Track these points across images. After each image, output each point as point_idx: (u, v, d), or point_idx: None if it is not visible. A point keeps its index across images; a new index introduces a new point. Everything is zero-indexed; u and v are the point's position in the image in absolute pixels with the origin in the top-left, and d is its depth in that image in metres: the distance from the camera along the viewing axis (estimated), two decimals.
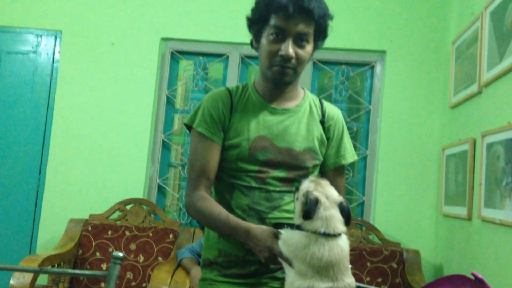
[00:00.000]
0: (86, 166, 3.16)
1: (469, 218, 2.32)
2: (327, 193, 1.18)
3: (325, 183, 1.22)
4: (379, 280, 2.81)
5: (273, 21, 1.35)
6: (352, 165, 3.13)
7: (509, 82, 2.01)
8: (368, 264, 2.84)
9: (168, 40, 3.28)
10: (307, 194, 1.16)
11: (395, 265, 2.84)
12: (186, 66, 3.35)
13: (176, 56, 3.31)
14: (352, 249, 3.02)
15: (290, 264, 1.15)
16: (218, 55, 3.28)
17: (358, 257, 2.84)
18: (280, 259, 1.19)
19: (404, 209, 3.01)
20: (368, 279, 2.81)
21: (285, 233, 1.19)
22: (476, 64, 2.36)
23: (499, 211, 1.97)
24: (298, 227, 1.16)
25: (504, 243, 1.93)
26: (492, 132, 2.10)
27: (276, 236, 1.20)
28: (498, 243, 2.00)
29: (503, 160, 1.98)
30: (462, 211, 2.41)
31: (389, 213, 3.03)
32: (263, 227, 1.26)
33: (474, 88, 2.38)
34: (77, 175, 3.16)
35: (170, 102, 3.31)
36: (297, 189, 1.22)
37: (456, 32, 2.79)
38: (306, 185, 1.20)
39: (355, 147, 3.10)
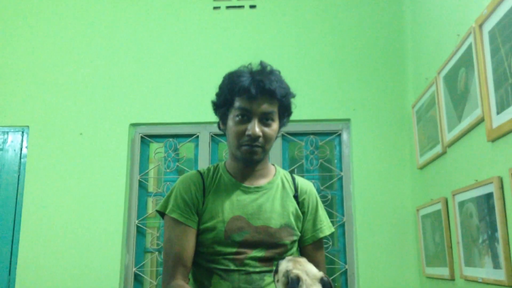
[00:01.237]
0: (58, 261, 3.05)
1: (452, 278, 2.31)
2: (307, 270, 1.17)
3: (303, 260, 1.21)
4: None
5: (237, 103, 1.39)
6: (331, 233, 3.10)
7: (471, 141, 2.09)
8: None
9: (137, 126, 3.31)
10: (287, 274, 1.15)
11: None
12: (156, 149, 3.37)
13: (146, 140, 3.33)
14: None
15: None
16: (188, 136, 3.32)
17: None
18: None
19: (387, 273, 2.97)
20: None
21: None
22: (437, 126, 2.46)
23: (480, 269, 1.97)
24: None
25: None
26: (462, 191, 2.14)
27: None
28: None
29: (476, 218, 2.00)
30: (444, 271, 2.40)
31: (373, 279, 2.98)
32: None
33: (438, 149, 2.45)
34: (50, 271, 3.03)
35: (142, 186, 3.28)
36: (276, 271, 1.21)
37: (414, 97, 2.92)
38: (285, 264, 1.19)
39: (331, 214, 3.11)
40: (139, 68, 3.36)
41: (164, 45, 3.39)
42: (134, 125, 3.31)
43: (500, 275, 1.78)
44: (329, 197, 3.18)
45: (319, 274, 1.18)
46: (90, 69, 3.37)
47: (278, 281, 1.18)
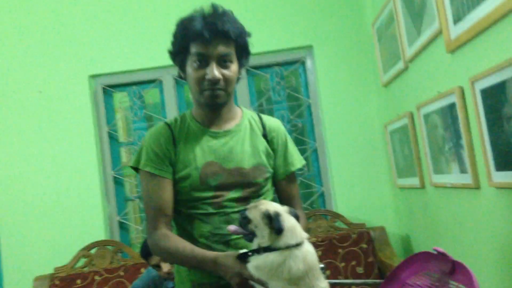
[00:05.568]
0: (40, 220, 3.07)
1: (423, 186, 2.43)
2: (276, 207, 1.23)
3: (265, 201, 1.26)
4: (353, 263, 2.88)
5: (193, 49, 1.37)
6: (305, 159, 3.19)
7: (431, 54, 2.11)
8: (340, 250, 2.91)
9: (97, 77, 3.22)
10: (265, 214, 1.18)
11: (365, 246, 2.92)
12: (121, 98, 3.30)
13: (108, 90, 3.26)
14: (322, 240, 3.04)
15: (263, 285, 1.17)
16: (151, 81, 3.25)
17: (328, 246, 2.90)
18: (252, 283, 1.20)
19: (362, 190, 3.10)
20: (343, 264, 2.88)
21: (255, 259, 1.18)
22: (398, 42, 2.47)
23: (448, 175, 2.07)
24: (266, 250, 1.18)
25: (458, 204, 2.03)
26: (426, 104, 2.20)
27: (243, 260, 1.21)
28: (452, 205, 2.10)
29: (441, 128, 2.08)
30: (415, 181, 2.52)
31: (349, 197, 3.11)
32: (229, 253, 1.27)
33: (400, 65, 2.48)
34: (33, 232, 3.06)
35: (112, 137, 3.25)
36: (248, 221, 1.22)
37: (373, 15, 2.90)
38: (254, 210, 1.22)
39: (303, 142, 3.18)
40: (91, 18, 3.22)
41: None
42: (93, 76, 3.22)
43: (467, 179, 1.88)
44: (300, 125, 3.22)
45: (284, 207, 1.25)
46: (43, 24, 3.21)
47: (256, 227, 1.20)
